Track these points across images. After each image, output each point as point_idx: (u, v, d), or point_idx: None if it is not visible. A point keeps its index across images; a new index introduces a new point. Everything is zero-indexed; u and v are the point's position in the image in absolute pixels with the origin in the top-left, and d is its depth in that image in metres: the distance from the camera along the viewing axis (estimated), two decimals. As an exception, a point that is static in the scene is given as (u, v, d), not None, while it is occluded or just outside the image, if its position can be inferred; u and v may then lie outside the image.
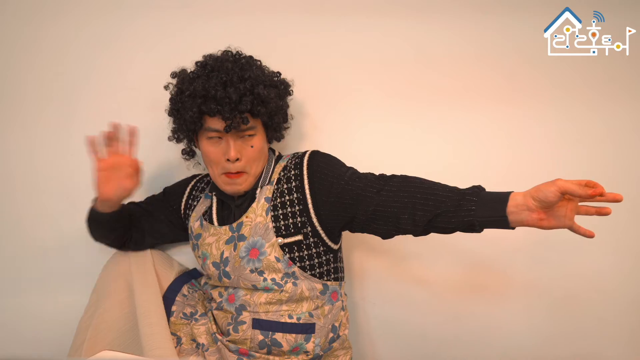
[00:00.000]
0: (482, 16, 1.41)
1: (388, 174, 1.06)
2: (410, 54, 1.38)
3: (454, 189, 0.97)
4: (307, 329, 1.08)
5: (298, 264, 1.06)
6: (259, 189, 1.10)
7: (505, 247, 1.41)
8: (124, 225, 1.17)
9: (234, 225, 1.09)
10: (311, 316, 1.09)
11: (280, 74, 1.15)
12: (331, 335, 1.13)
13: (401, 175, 1.04)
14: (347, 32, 1.37)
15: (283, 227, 1.06)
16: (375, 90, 1.38)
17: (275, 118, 1.10)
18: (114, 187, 1.05)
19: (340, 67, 1.37)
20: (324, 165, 1.08)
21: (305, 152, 1.12)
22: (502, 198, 0.90)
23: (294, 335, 1.07)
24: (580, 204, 0.88)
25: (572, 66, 1.40)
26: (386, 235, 1.04)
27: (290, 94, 1.17)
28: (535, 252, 1.41)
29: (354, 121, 1.38)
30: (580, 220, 0.91)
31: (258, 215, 1.07)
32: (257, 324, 1.07)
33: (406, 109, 1.38)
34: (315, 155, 1.10)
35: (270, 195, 1.09)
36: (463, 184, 1.01)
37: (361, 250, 1.41)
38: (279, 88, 1.12)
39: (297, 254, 1.06)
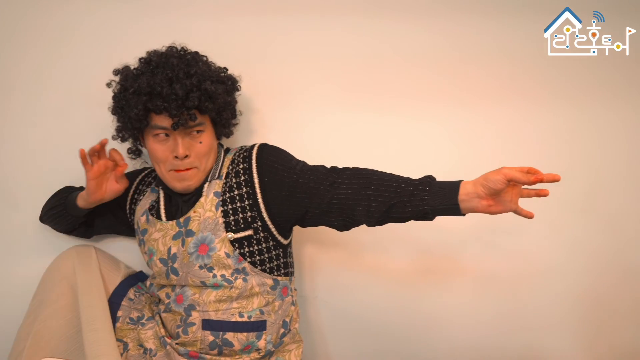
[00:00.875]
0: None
1: (339, 166, 1.07)
2: (362, 51, 1.40)
3: (407, 179, 1.00)
4: (258, 326, 1.08)
5: (248, 259, 1.06)
6: (207, 184, 1.08)
7: (454, 235, 1.45)
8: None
9: (181, 220, 1.07)
10: (262, 313, 1.08)
11: (227, 70, 1.15)
12: (282, 330, 1.13)
13: (353, 167, 1.05)
14: (294, 29, 1.38)
15: (233, 222, 1.05)
16: (324, 86, 1.39)
17: (223, 114, 1.09)
18: (105, 191, 1.10)
19: (288, 62, 1.37)
20: (273, 159, 1.07)
21: (254, 146, 1.11)
22: (454, 187, 0.94)
23: (245, 334, 1.06)
24: (523, 187, 0.93)
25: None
26: (342, 227, 1.05)
27: (238, 90, 1.16)
28: (483, 239, 1.46)
29: (302, 116, 1.38)
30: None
31: (207, 210, 1.06)
32: (207, 324, 1.05)
33: (356, 105, 1.40)
34: (264, 149, 1.10)
35: (219, 190, 1.07)
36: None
37: (311, 243, 1.42)
38: (226, 84, 1.11)
39: (247, 249, 1.06)
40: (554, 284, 1.48)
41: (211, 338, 1.05)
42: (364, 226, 1.05)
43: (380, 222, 1.01)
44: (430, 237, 1.43)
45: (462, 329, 1.47)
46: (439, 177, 1.01)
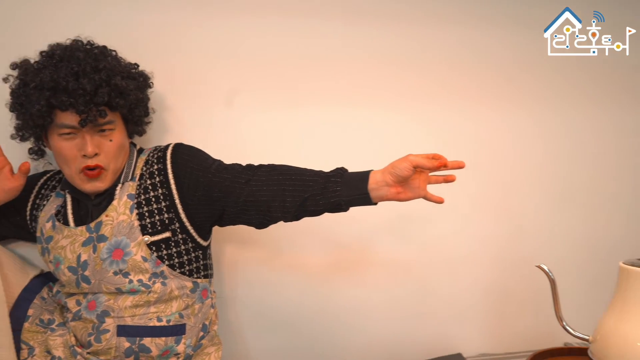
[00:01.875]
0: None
1: (255, 164, 1.07)
2: (279, 48, 1.41)
3: (320, 173, 1.01)
4: (177, 330, 1.04)
5: (167, 262, 1.02)
6: (119, 186, 1.03)
7: (367, 228, 1.50)
8: None
9: (92, 225, 1.01)
10: (181, 317, 1.05)
11: (138, 66, 1.10)
12: (201, 334, 1.10)
13: (269, 164, 1.05)
14: (209, 23, 1.35)
15: (149, 225, 1.01)
16: (241, 83, 1.38)
17: (135, 111, 1.05)
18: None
19: (204, 58, 1.35)
20: (188, 158, 1.05)
21: (168, 145, 1.08)
22: (363, 176, 0.97)
23: (163, 338, 1.03)
24: (431, 174, 0.97)
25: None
26: (260, 224, 1.05)
27: (150, 87, 1.12)
28: (396, 231, 1.52)
29: (219, 114, 1.36)
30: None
31: (120, 213, 1.01)
32: (123, 330, 1.00)
33: (273, 102, 1.40)
34: (179, 148, 1.07)
35: (133, 192, 1.03)
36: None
37: (230, 243, 1.40)
38: (138, 80, 1.06)
39: (165, 252, 1.02)
40: (464, 275, 1.57)
41: (127, 344, 1.00)
42: (281, 223, 1.06)
43: (297, 217, 1.02)
44: (344, 231, 1.47)
45: (376, 319, 1.52)
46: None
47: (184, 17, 1.34)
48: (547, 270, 0.91)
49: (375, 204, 0.98)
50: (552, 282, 0.91)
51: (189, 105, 1.34)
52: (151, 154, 1.08)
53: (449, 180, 0.97)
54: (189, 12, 1.34)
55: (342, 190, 0.96)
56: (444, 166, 0.93)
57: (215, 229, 1.14)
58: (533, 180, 1.59)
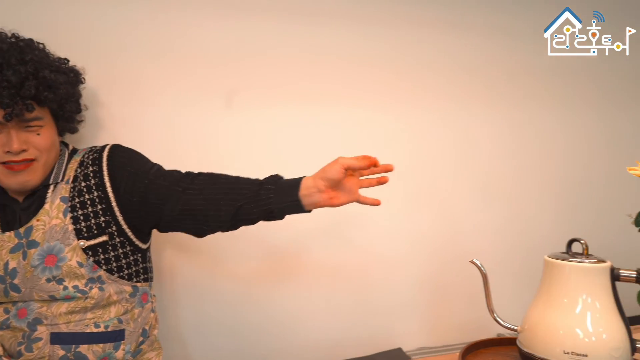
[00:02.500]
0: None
1: (190, 165, 1.06)
2: (216, 45, 1.39)
3: (255, 181, 1.00)
4: (116, 336, 1.01)
5: (104, 266, 0.99)
6: (51, 188, 0.99)
7: (305, 232, 1.51)
8: None
9: (21, 230, 0.96)
10: (120, 322, 1.02)
11: (68, 61, 1.06)
12: (141, 339, 1.08)
13: (207, 173, 1.03)
14: (144, 20, 1.32)
15: (85, 229, 0.98)
16: (175, 80, 1.35)
17: (66, 107, 1.01)
18: None
19: (137, 55, 1.31)
20: (125, 162, 1.02)
21: (105, 147, 1.04)
22: (295, 183, 0.96)
23: (101, 345, 0.99)
24: (362, 178, 0.98)
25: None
26: (198, 233, 1.03)
27: (82, 82, 1.08)
28: (332, 234, 1.54)
29: (152, 111, 1.33)
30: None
31: (53, 217, 0.97)
32: (57, 338, 0.96)
33: (208, 101, 1.39)
34: (116, 150, 1.04)
35: (67, 195, 0.99)
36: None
37: (170, 245, 1.38)
38: (68, 75, 1.02)
39: (102, 256, 0.99)
40: (401, 272, 1.62)
41: (61, 353, 0.96)
42: (221, 231, 1.04)
43: (234, 226, 1.01)
44: (283, 234, 1.47)
45: (316, 320, 1.54)
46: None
47: (117, 12, 1.30)
48: (480, 265, 0.95)
49: (309, 211, 0.97)
50: (484, 277, 0.96)
51: (124, 102, 1.30)
52: (86, 155, 1.04)
53: (382, 182, 0.97)
54: (123, 7, 1.30)
55: (274, 197, 0.96)
56: (374, 165, 0.93)
57: (154, 231, 1.12)
58: (465, 179, 1.67)
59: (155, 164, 1.05)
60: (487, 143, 1.68)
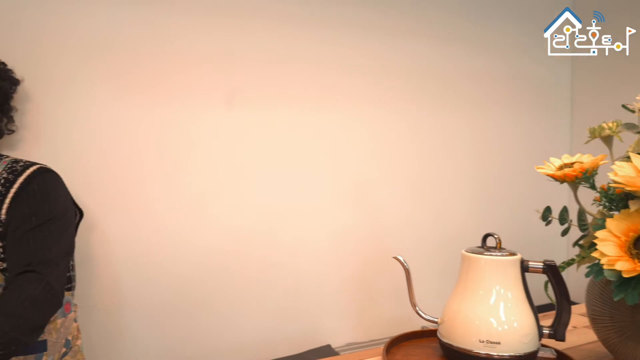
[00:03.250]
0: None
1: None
2: (143, 40, 1.35)
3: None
4: (38, 347, 0.96)
5: None
6: None
7: (239, 232, 1.50)
8: None
9: None
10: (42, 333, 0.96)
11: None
12: (64, 350, 1.02)
13: (33, 279, 0.94)
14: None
15: None
16: (112, 78, 1.31)
17: None
18: None
19: (73, 54, 1.26)
20: (32, 202, 0.96)
21: (31, 166, 0.97)
22: None
23: (22, 357, 0.94)
24: None
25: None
26: None
27: (15, 84, 1.02)
28: (261, 231, 1.54)
29: (85, 111, 1.28)
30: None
31: None
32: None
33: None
34: (38, 179, 0.97)
35: None
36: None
37: (92, 251, 1.32)
38: None
39: None
40: (329, 270, 1.64)
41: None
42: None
43: None
44: (211, 237, 1.46)
45: (246, 319, 1.54)
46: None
47: (47, 9, 1.23)
48: (402, 261, 0.99)
49: None
50: (407, 272, 0.99)
51: (57, 102, 1.24)
52: (8, 167, 0.97)
53: None
54: (53, 5, 1.24)
55: None
56: None
57: (81, 236, 1.07)
58: (390, 177, 1.72)
59: (48, 221, 0.96)
60: (411, 143, 1.74)
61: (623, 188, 0.84)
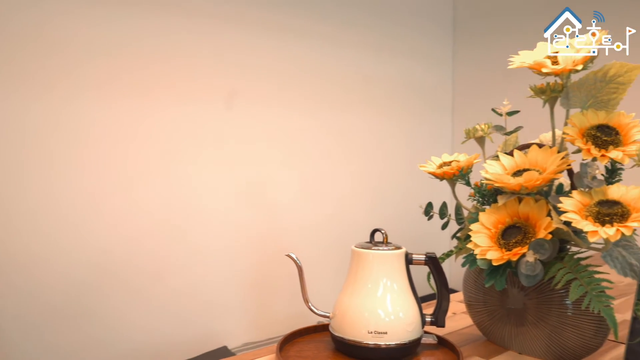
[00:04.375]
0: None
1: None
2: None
3: None
4: None
5: None
6: None
7: (129, 231, 1.44)
8: None
9: None
10: None
11: None
12: None
13: None
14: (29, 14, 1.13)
15: None
16: (65, 76, 1.20)
17: None
18: None
19: (24, 51, 1.14)
20: None
21: None
22: None
23: None
24: None
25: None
26: None
27: None
28: (154, 232, 1.49)
29: (36, 109, 1.16)
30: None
31: None
32: None
33: (91, 95, 1.26)
34: None
35: None
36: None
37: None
38: None
39: None
40: (224, 271, 1.63)
41: None
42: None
43: None
44: (105, 236, 1.39)
45: (138, 327, 1.48)
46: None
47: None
48: (295, 258, 1.00)
49: None
50: (300, 269, 1.01)
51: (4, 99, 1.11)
52: None
53: None
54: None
55: None
56: None
57: None
58: (286, 176, 1.74)
59: None
60: (307, 144, 1.78)
61: (493, 184, 0.93)
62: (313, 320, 1.54)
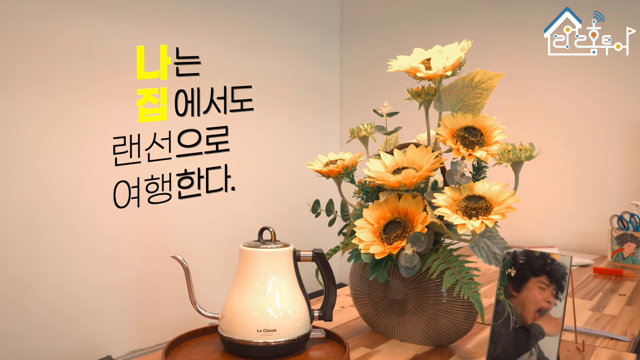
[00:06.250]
0: None
1: None
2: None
3: None
4: None
5: None
6: None
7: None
8: None
9: None
10: None
11: None
12: None
13: None
14: None
15: None
16: None
17: None
18: None
19: None
20: None
21: None
22: None
23: None
24: None
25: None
26: None
27: None
28: (27, 236, 1.37)
29: None
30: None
31: None
32: None
33: None
34: None
35: None
36: None
37: None
38: None
39: None
40: (107, 277, 1.53)
41: None
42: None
43: None
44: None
45: (9, 343, 1.35)
46: None
47: None
48: (181, 260, 0.98)
49: None
50: (186, 271, 0.98)
51: None
52: None
53: None
54: None
55: None
56: None
57: None
58: (172, 171, 1.68)
59: None
60: (197, 142, 1.73)
61: (375, 182, 0.97)
62: (204, 323, 1.51)
